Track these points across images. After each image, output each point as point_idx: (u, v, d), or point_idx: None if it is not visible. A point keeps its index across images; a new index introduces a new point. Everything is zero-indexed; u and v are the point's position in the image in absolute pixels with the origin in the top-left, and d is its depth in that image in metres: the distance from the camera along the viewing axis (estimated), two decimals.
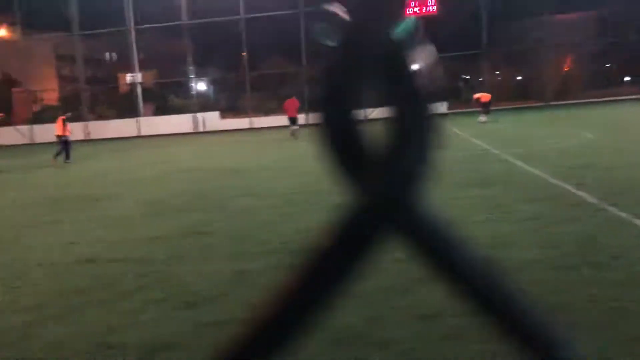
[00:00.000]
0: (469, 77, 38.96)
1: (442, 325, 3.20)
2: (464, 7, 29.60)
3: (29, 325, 3.63)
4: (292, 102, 21.18)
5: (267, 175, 10.37)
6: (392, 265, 4.35)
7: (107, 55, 45.37)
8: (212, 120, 31.42)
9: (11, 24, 32.37)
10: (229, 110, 35.44)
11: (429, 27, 29.91)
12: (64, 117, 16.73)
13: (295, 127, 20.25)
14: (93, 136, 30.38)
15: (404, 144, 0.47)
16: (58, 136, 16.19)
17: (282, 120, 30.78)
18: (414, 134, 0.47)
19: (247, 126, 30.75)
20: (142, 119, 30.94)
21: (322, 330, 3.22)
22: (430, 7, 28.95)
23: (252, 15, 30.73)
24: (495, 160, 10.14)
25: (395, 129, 0.47)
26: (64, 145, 16.25)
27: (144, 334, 3.37)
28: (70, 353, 3.17)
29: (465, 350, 2.89)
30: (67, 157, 16.20)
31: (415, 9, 29.04)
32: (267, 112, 33.75)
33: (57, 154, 16.13)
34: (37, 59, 37.04)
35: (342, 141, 0.47)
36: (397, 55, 0.50)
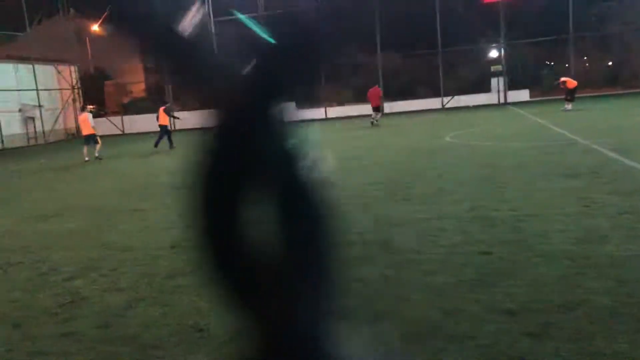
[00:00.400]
0: (552, 63, 36.95)
1: (525, 321, 3.11)
2: None
3: (125, 305, 3.92)
4: (375, 91, 21.76)
5: (341, 165, 10.43)
6: (475, 257, 4.29)
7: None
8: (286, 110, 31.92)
9: (103, 20, 34.45)
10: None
11: (511, 12, 28.64)
12: (164, 107, 17.85)
13: (377, 115, 21.21)
14: (177, 127, 31.83)
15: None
16: (160, 125, 17.37)
17: (356, 110, 30.77)
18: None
19: (321, 116, 31.00)
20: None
21: (399, 322, 3.23)
22: None
23: (324, 3, 30.79)
24: (583, 150, 9.61)
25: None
26: (166, 134, 17.31)
27: (229, 319, 3.53)
28: (163, 332, 3.39)
29: (548, 349, 2.81)
30: (171, 144, 17.23)
31: None
32: (342, 102, 33.80)
33: (157, 143, 17.30)
34: (125, 53, 39.18)
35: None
36: (288, 163, 0.53)
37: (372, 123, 21.18)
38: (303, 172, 0.53)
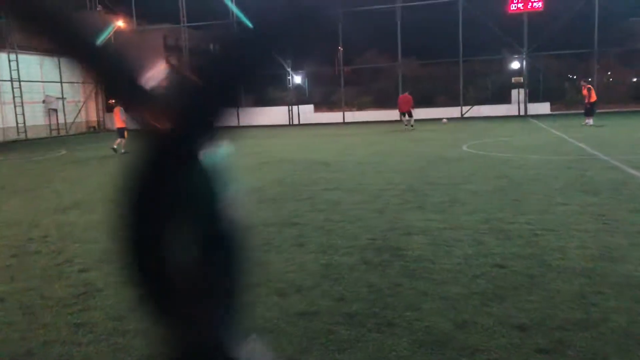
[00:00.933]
0: (575, 77, 36.57)
1: (538, 337, 3.08)
2: (574, 2, 27.68)
3: (137, 300, 3.94)
4: (405, 98, 22.19)
5: (357, 170, 10.43)
6: (489, 270, 4.25)
7: (211, 46, 47.55)
8: (306, 113, 32.06)
9: (127, 16, 34.89)
10: (323, 104, 35.92)
11: (535, 23, 28.40)
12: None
13: (409, 119, 21.67)
14: None
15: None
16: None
17: (375, 115, 30.73)
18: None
19: (339, 120, 31.03)
20: (241, 110, 32.11)
21: (409, 331, 3.22)
22: (536, 3, 27.45)
23: (349, 9, 30.86)
24: (603, 166, 9.48)
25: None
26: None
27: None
28: None
29: None
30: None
31: (519, 5, 27.68)
32: (361, 107, 33.81)
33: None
34: (148, 49, 39.55)
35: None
36: (205, 183, 0.56)
37: (410, 126, 21.67)
38: (223, 210, 0.56)
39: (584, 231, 5.28)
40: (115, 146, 16.03)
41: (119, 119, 16.35)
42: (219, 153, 0.53)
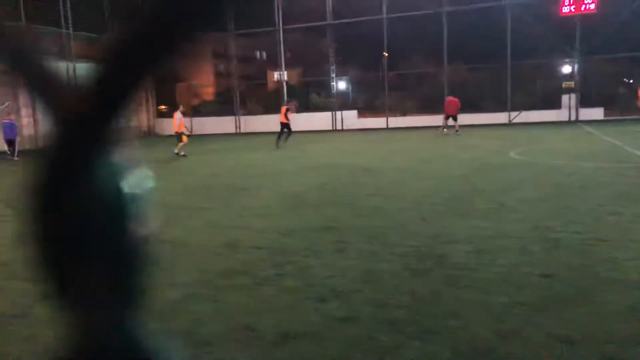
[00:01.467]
0: (632, 81, 35.05)
1: (585, 351, 2.96)
2: (629, 2, 26.55)
3: (178, 301, 4.04)
4: (453, 101, 22.11)
5: (399, 176, 10.34)
6: (535, 279, 4.13)
7: (257, 53, 48.21)
8: (349, 118, 32.04)
9: None
10: (367, 109, 35.80)
11: (588, 26, 27.44)
12: (286, 107, 19.71)
13: (453, 123, 21.48)
14: (242, 130, 32.71)
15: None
16: (281, 123, 19.06)
17: (418, 120, 30.39)
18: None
19: (383, 126, 30.86)
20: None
21: (449, 339, 3.16)
22: (589, 5, 26.54)
23: (394, 15, 30.71)
24: None
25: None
26: (286, 129, 19.09)
27: (278, 320, 3.58)
28: (212, 330, 3.48)
29: None
30: (286, 139, 19.06)
31: (572, 8, 26.83)
32: (404, 113, 33.52)
33: (279, 137, 19.12)
34: (197, 56, 40.46)
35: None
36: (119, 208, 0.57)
37: (455, 131, 21.49)
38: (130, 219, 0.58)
39: (637, 242, 5.05)
40: (175, 151, 16.90)
41: (174, 123, 17.21)
42: (135, 179, 0.56)
